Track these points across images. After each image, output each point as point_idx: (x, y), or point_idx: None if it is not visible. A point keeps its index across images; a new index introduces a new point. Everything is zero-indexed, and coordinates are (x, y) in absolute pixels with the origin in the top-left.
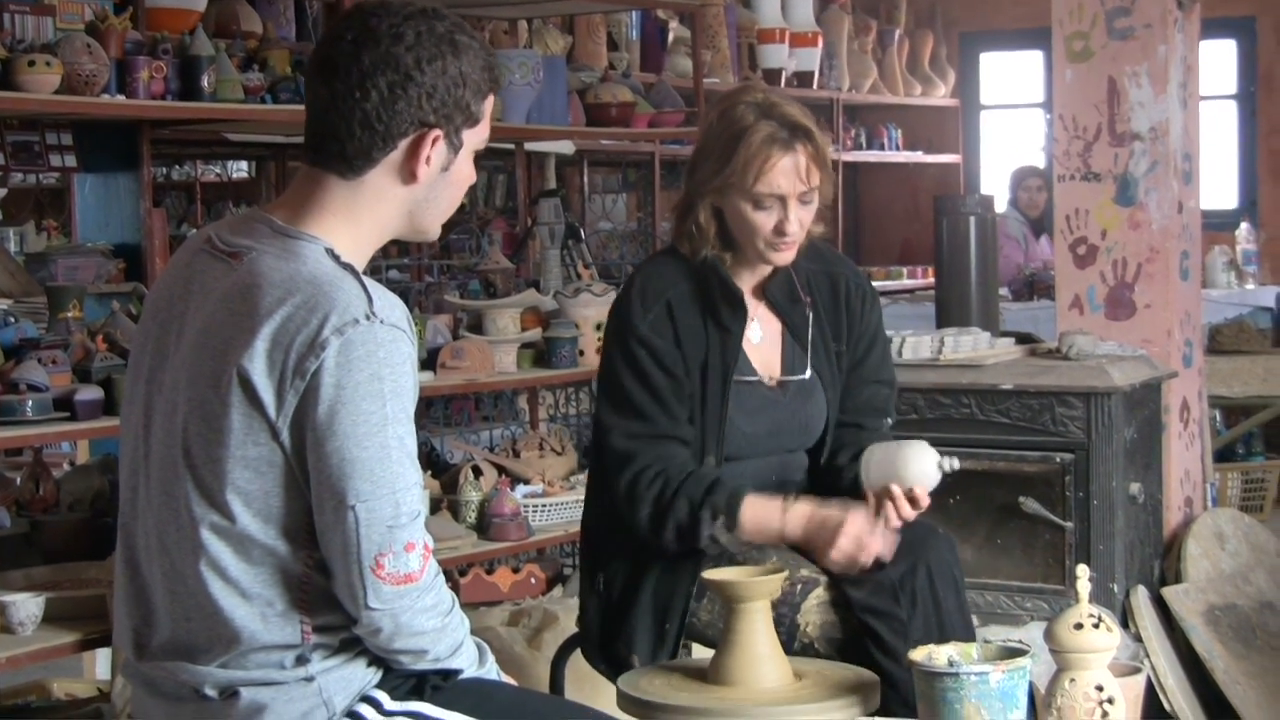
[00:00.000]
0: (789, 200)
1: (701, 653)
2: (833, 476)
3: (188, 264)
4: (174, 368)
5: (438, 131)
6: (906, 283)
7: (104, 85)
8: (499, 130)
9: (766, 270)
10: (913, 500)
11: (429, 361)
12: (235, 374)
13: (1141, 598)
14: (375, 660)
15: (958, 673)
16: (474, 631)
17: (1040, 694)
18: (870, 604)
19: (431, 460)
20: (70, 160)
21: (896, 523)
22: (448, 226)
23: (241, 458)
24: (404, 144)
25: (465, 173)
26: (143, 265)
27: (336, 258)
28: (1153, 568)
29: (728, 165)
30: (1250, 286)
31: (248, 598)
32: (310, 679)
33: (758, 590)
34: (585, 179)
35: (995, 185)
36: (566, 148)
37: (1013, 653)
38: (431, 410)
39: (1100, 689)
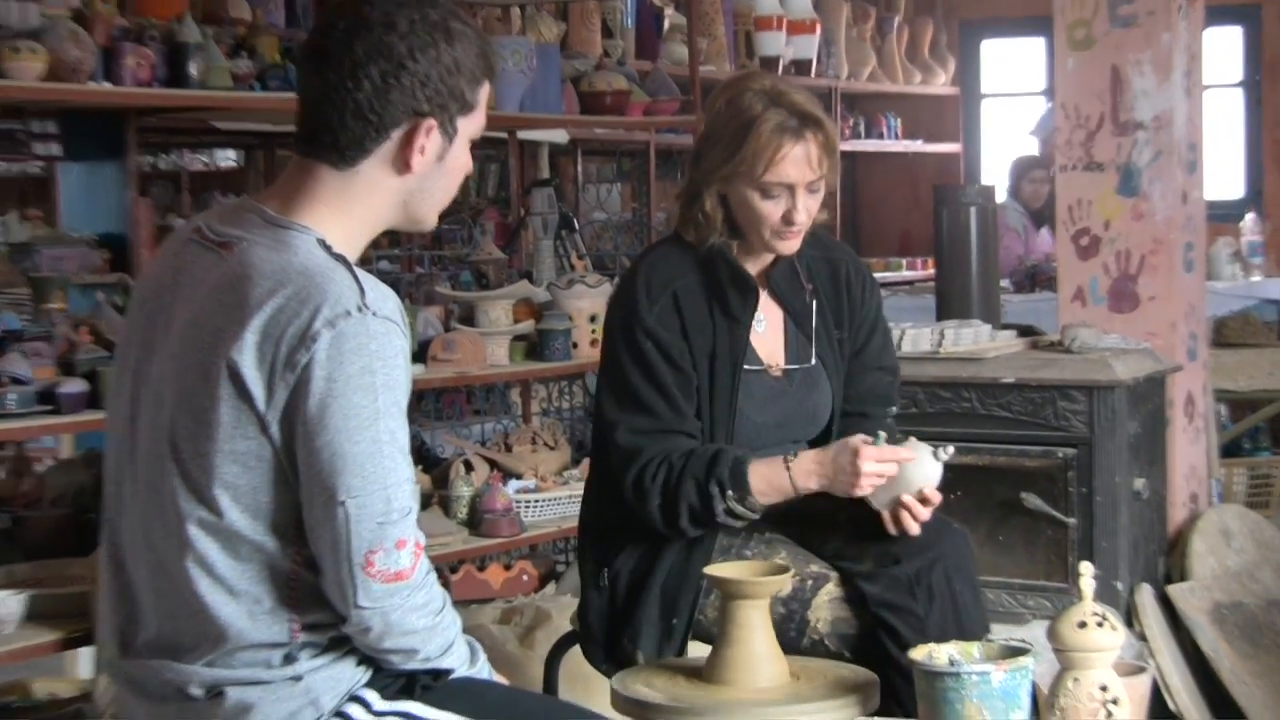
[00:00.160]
0: (797, 189)
1: (703, 651)
2: None
3: (176, 254)
4: (161, 360)
5: (432, 120)
6: (906, 274)
7: (90, 72)
8: (492, 119)
9: (770, 258)
10: (924, 500)
11: (420, 354)
12: (224, 366)
13: (1146, 596)
14: (364, 659)
15: (959, 672)
16: (465, 629)
17: (1043, 694)
18: (886, 599)
19: (422, 455)
20: (55, 149)
21: (916, 529)
22: (440, 217)
23: (230, 452)
24: (398, 134)
25: (461, 161)
26: (128, 256)
27: (329, 249)
28: (1157, 565)
29: (736, 154)
30: (1256, 278)
31: (235, 595)
32: (298, 678)
33: (758, 589)
34: (579, 168)
35: (996, 175)
36: (560, 137)
37: (1015, 652)
38: (422, 403)
39: (1104, 689)
